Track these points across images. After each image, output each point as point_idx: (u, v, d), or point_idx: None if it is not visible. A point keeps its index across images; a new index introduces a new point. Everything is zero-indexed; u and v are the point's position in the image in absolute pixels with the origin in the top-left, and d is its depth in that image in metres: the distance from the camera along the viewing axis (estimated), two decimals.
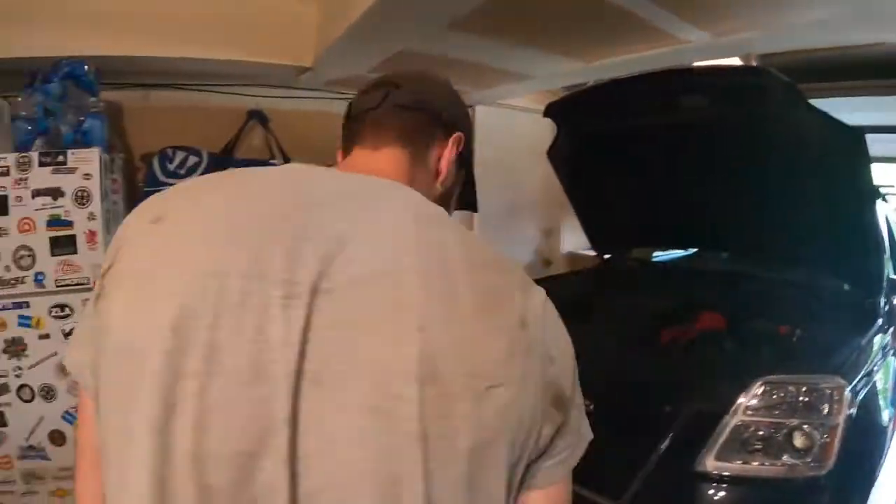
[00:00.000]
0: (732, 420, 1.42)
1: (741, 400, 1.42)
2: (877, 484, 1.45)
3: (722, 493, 1.40)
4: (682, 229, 2.54)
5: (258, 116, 3.03)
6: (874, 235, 1.80)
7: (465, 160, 0.73)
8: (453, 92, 0.73)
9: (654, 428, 1.50)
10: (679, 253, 3.04)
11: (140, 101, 2.78)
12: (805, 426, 1.37)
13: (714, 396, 1.48)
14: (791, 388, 1.43)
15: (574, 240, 3.96)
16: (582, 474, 1.75)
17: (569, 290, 2.50)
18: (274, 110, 3.06)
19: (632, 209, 2.54)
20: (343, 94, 3.13)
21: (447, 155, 0.69)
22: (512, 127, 3.71)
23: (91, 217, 2.06)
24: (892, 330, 1.82)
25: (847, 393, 1.41)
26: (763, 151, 1.89)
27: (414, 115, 0.67)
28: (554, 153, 2.50)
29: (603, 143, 2.35)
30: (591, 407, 1.61)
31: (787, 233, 2.00)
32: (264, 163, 2.95)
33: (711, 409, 1.45)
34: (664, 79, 1.99)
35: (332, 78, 2.84)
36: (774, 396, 1.43)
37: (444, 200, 0.69)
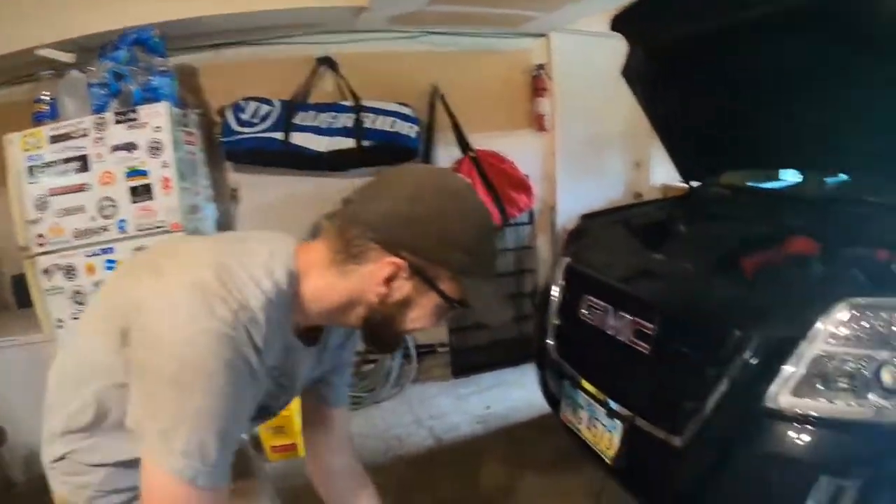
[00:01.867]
0: (811, 350, 1.20)
1: (820, 325, 1.20)
2: None
3: (794, 435, 1.20)
4: (782, 150, 2.17)
5: (328, 62, 3.07)
6: None
7: (423, 287, 0.78)
8: (421, 219, 0.75)
9: (720, 356, 1.31)
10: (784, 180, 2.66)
11: (211, 59, 2.93)
12: None
13: (790, 321, 1.25)
14: (883, 313, 1.17)
15: (666, 171, 3.62)
16: (640, 402, 1.62)
17: (645, 218, 2.28)
18: (341, 54, 3.07)
19: (721, 130, 2.14)
20: (407, 31, 3.08)
21: (378, 273, 0.76)
22: (591, 54, 3.35)
23: (164, 165, 2.27)
24: None
25: None
26: (877, 49, 1.50)
27: (343, 227, 0.77)
28: (628, 72, 2.18)
29: (680, 55, 1.98)
30: (654, 334, 1.49)
31: None
32: (338, 106, 3.02)
33: (786, 336, 1.24)
34: None
35: (391, 14, 2.78)
36: (862, 323, 1.18)
37: (380, 314, 0.80)
